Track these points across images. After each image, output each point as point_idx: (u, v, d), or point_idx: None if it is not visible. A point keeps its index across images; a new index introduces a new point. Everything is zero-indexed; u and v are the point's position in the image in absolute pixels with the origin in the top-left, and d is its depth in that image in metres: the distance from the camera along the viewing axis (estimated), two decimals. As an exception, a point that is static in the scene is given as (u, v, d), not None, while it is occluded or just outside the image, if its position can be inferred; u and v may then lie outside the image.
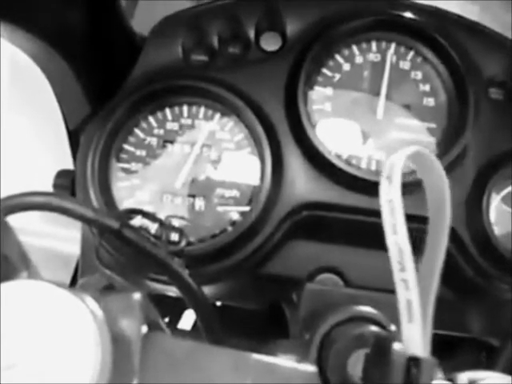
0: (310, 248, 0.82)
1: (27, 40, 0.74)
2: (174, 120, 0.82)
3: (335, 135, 0.82)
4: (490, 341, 0.85)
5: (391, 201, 0.41)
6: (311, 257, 0.82)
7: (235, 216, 0.80)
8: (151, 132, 0.82)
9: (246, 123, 0.81)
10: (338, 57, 0.84)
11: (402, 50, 0.84)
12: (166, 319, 1.01)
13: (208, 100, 0.82)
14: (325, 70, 0.84)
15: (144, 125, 0.82)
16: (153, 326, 0.45)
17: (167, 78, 0.82)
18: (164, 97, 0.82)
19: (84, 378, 0.36)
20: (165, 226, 0.68)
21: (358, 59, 0.84)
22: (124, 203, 0.80)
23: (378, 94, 0.83)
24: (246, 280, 0.84)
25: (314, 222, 0.81)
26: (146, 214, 0.67)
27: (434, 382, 0.42)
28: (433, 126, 0.83)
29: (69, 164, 0.88)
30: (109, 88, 0.83)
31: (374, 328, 0.57)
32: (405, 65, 0.84)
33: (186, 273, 0.64)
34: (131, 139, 0.82)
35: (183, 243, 0.67)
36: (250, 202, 0.80)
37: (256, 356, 0.47)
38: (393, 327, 0.57)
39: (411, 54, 0.84)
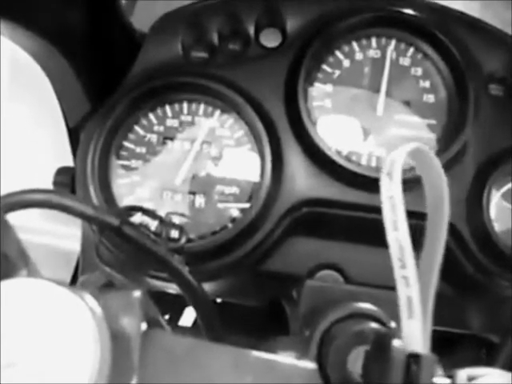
0: (310, 245, 0.82)
1: (27, 38, 0.74)
2: (173, 117, 0.82)
3: (335, 132, 0.82)
4: (490, 337, 0.85)
5: (392, 197, 0.41)
6: (311, 253, 0.82)
7: (235, 213, 0.80)
8: (151, 129, 0.82)
9: (246, 120, 0.81)
10: (338, 53, 0.84)
11: (402, 46, 0.84)
12: (167, 316, 1.01)
13: (208, 97, 0.82)
14: (325, 67, 0.83)
15: (144, 122, 0.82)
16: (152, 324, 0.45)
17: (167, 75, 0.82)
18: (164, 94, 0.82)
19: (83, 375, 0.36)
20: (165, 223, 0.68)
21: (358, 55, 0.84)
22: (124, 200, 0.81)
23: (378, 90, 0.82)
24: (246, 277, 0.84)
25: (314, 219, 0.81)
26: (146, 211, 0.67)
27: (433, 378, 0.42)
28: (433, 122, 0.83)
29: (69, 161, 0.88)
30: (109, 85, 0.83)
31: (373, 325, 0.57)
32: (405, 61, 0.84)
33: (186, 270, 0.64)
34: (131, 136, 0.82)
35: (183, 240, 0.67)
36: (250, 199, 0.80)
37: (256, 353, 0.47)
38: (393, 324, 0.57)
39: (411, 50, 0.84)
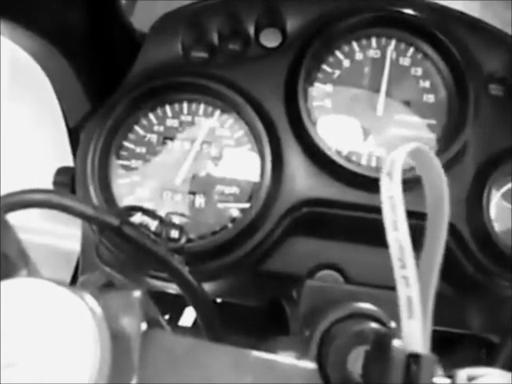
0: (310, 245, 0.82)
1: (27, 38, 0.74)
2: (173, 117, 0.82)
3: (335, 132, 0.82)
4: (490, 337, 0.85)
5: (392, 197, 0.41)
6: (311, 253, 0.82)
7: (235, 213, 0.80)
8: (151, 129, 0.82)
9: (246, 120, 0.81)
10: (338, 53, 0.84)
11: (402, 46, 0.84)
12: (167, 316, 1.01)
13: (208, 97, 0.82)
14: (325, 67, 0.83)
15: (144, 122, 0.82)
16: (152, 324, 0.45)
17: (167, 75, 0.82)
18: (164, 94, 0.82)
19: (83, 375, 0.36)
20: (165, 223, 0.68)
21: (358, 55, 0.84)
22: (124, 200, 0.81)
23: (378, 90, 0.82)
24: (246, 277, 0.84)
25: (314, 219, 0.81)
26: (146, 211, 0.67)
27: (433, 378, 0.42)
28: (433, 122, 0.82)
29: (69, 161, 0.88)
30: (109, 85, 0.83)
31: (373, 325, 0.57)
32: (405, 61, 0.84)
33: (186, 270, 0.64)
34: (131, 136, 0.82)
35: (183, 240, 0.67)
36: (250, 199, 0.80)
37: (256, 353, 0.47)
38: (393, 324, 0.57)
39: (411, 50, 0.84)
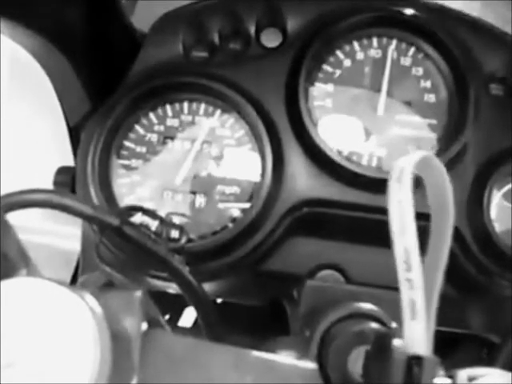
0: (310, 245, 0.82)
1: (27, 36, 0.74)
2: (174, 116, 0.82)
3: (336, 132, 0.82)
4: (491, 337, 0.85)
5: (401, 201, 0.41)
6: (312, 253, 0.82)
7: (236, 213, 0.80)
8: (151, 128, 0.82)
9: (246, 120, 0.81)
10: (338, 53, 0.84)
11: (403, 46, 0.84)
12: (167, 316, 1.01)
13: (209, 96, 0.82)
14: (325, 66, 0.83)
15: (144, 121, 0.82)
16: (153, 323, 0.45)
17: (168, 75, 0.82)
18: (164, 93, 0.82)
19: (83, 375, 0.36)
20: (165, 223, 0.68)
21: (359, 55, 0.84)
22: (124, 200, 0.80)
23: (378, 90, 0.82)
24: (247, 277, 0.84)
25: (314, 219, 0.81)
26: (146, 211, 0.67)
27: (434, 379, 0.42)
28: (434, 122, 0.82)
29: (69, 161, 0.88)
30: (109, 84, 0.83)
31: (374, 325, 0.57)
32: (406, 61, 0.84)
33: (186, 270, 0.64)
34: (131, 136, 0.82)
35: (183, 240, 0.67)
36: (250, 199, 0.80)
37: (256, 353, 0.47)
38: (393, 324, 0.57)
39: (412, 50, 0.84)
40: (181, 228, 0.71)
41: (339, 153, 0.80)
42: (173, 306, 0.99)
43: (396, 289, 0.41)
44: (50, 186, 0.83)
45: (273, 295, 0.84)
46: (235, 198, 0.80)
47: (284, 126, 0.81)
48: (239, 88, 0.81)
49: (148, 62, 0.84)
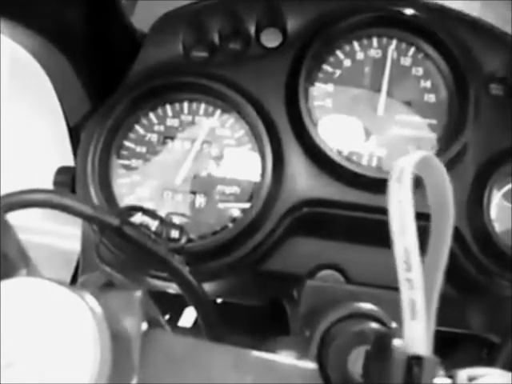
0: (310, 245, 0.82)
1: (27, 36, 0.74)
2: (174, 116, 0.82)
3: (336, 132, 0.82)
4: (491, 337, 0.85)
5: (401, 201, 0.41)
6: (312, 253, 0.82)
7: (236, 213, 0.80)
8: (151, 128, 0.82)
9: (246, 120, 0.81)
10: (338, 53, 0.84)
11: (403, 46, 0.84)
12: (167, 316, 1.01)
13: (209, 96, 0.82)
14: (325, 66, 0.83)
15: (144, 121, 0.82)
16: (153, 323, 0.45)
17: (168, 75, 0.82)
18: (164, 93, 0.82)
19: (83, 375, 0.36)
20: (165, 223, 0.68)
21: (359, 55, 0.84)
22: (124, 200, 0.80)
23: (378, 90, 0.82)
24: (247, 277, 0.84)
25: (314, 219, 0.81)
26: (146, 211, 0.67)
27: (434, 379, 0.42)
28: (434, 122, 0.82)
29: (69, 161, 0.88)
30: (109, 84, 0.83)
31: (374, 325, 0.57)
32: (406, 61, 0.84)
33: (186, 270, 0.64)
34: (131, 136, 0.82)
35: (183, 240, 0.67)
36: (250, 199, 0.80)
37: (256, 353, 0.47)
38: (393, 324, 0.57)
39: (412, 50, 0.84)
40: (181, 228, 0.71)
41: (339, 153, 0.80)
42: (173, 306, 0.99)
43: (396, 289, 0.41)
44: (50, 186, 0.83)
45: (273, 295, 0.84)
46: (235, 198, 0.80)
47: (284, 126, 0.81)
48: (239, 88, 0.81)
49: (148, 62, 0.84)
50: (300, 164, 0.80)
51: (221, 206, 0.80)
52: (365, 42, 0.84)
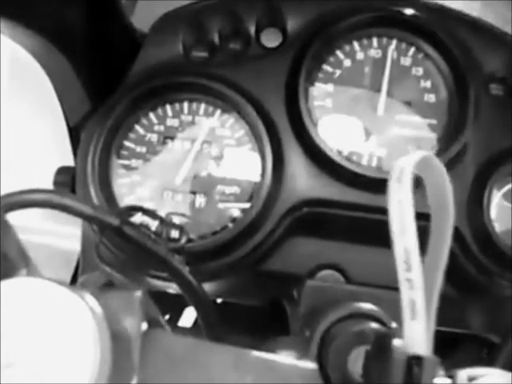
0: (310, 245, 0.82)
1: (27, 36, 0.74)
2: (174, 116, 0.82)
3: (336, 132, 0.82)
4: (491, 337, 0.85)
5: (401, 201, 0.41)
6: (312, 253, 0.82)
7: (236, 213, 0.80)
8: (151, 128, 0.82)
9: (246, 120, 0.81)
10: (338, 53, 0.84)
11: (403, 46, 0.84)
12: (167, 316, 1.01)
13: (209, 96, 0.82)
14: (325, 66, 0.83)
15: (144, 121, 0.82)
16: (153, 323, 0.45)
17: (168, 75, 0.82)
18: (164, 93, 0.82)
19: (83, 375, 0.36)
20: (165, 223, 0.68)
21: (359, 55, 0.84)
22: (124, 200, 0.80)
23: (378, 90, 0.82)
24: (247, 277, 0.84)
25: (314, 219, 0.81)
26: (146, 211, 0.67)
27: (434, 379, 0.42)
28: (434, 122, 0.82)
29: (69, 161, 0.88)
30: (109, 84, 0.83)
31: (374, 325, 0.57)
32: (406, 61, 0.84)
33: (186, 270, 0.64)
34: (131, 136, 0.82)
35: (183, 240, 0.67)
36: (250, 199, 0.80)
37: (256, 353, 0.47)
38: (393, 324, 0.57)
39: (412, 50, 0.84)
40: (181, 228, 0.71)
41: (339, 153, 0.80)
42: (173, 306, 0.99)
43: (396, 289, 0.41)
44: (50, 186, 0.83)
45: (273, 295, 0.84)
46: (235, 198, 0.80)
47: (284, 126, 0.81)
48: (239, 88, 0.81)
49: (148, 62, 0.84)
50: (300, 164, 0.80)
51: (221, 205, 0.80)
52: (365, 41, 0.84)
